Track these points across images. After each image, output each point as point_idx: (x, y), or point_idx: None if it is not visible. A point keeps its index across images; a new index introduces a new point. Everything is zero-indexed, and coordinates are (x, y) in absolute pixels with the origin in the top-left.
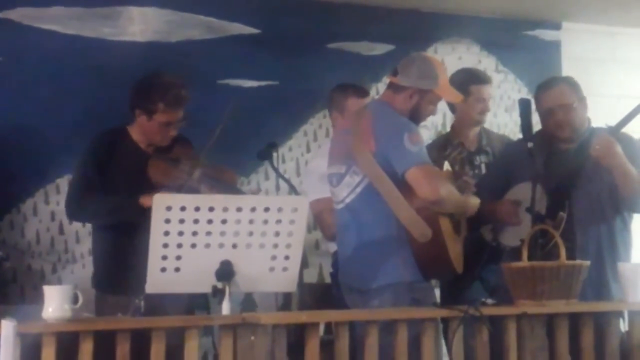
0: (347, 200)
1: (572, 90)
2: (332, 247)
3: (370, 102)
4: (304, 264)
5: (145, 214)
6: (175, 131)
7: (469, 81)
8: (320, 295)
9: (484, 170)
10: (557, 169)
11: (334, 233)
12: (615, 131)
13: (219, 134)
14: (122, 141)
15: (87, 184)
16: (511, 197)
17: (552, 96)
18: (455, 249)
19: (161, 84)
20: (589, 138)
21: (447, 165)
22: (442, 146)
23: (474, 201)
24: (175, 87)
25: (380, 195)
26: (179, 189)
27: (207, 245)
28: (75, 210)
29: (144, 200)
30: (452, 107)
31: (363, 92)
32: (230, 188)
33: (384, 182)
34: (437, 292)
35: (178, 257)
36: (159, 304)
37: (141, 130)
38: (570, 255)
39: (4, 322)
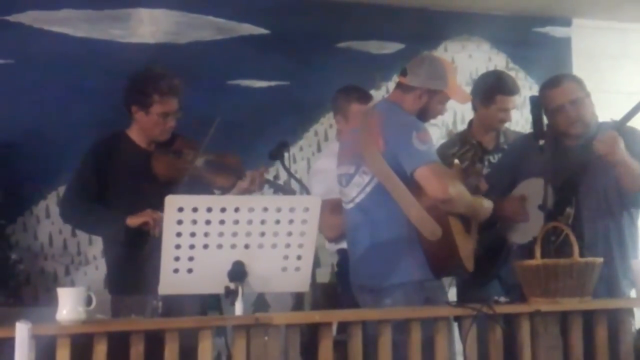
0: (357, 200)
1: (579, 86)
2: (334, 245)
3: (379, 102)
4: (316, 264)
5: (128, 233)
6: (174, 122)
7: (496, 89)
8: (333, 294)
9: None
10: (565, 165)
11: (336, 235)
12: (619, 126)
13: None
14: (122, 145)
15: (80, 189)
16: (519, 192)
17: (561, 93)
18: (466, 247)
19: (153, 76)
20: (596, 134)
21: (456, 163)
22: (459, 144)
23: (487, 204)
24: (167, 77)
25: (389, 194)
26: (184, 178)
27: (220, 246)
28: (66, 213)
29: (130, 221)
30: (474, 105)
31: (366, 98)
32: (235, 171)
33: (393, 181)
34: (454, 291)
35: (190, 258)
36: (177, 305)
37: (140, 128)
38: (579, 253)
39: (18, 324)
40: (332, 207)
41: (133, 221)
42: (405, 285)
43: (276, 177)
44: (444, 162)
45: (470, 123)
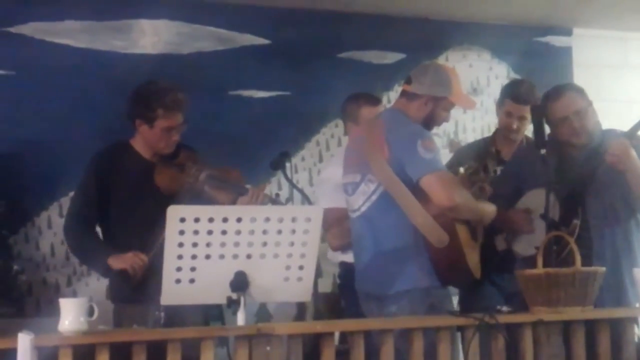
0: (363, 208)
1: (581, 96)
2: (336, 257)
3: (384, 110)
4: (318, 274)
5: (110, 273)
6: (178, 136)
7: (506, 93)
8: (335, 304)
9: None
10: (570, 175)
11: (343, 243)
12: (630, 135)
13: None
14: (125, 155)
15: (82, 202)
16: (524, 204)
17: (564, 104)
18: (472, 255)
19: (158, 90)
20: (601, 142)
21: (461, 170)
22: (480, 149)
23: (490, 208)
24: (172, 91)
25: (396, 202)
26: (186, 193)
27: (221, 256)
28: (67, 232)
29: (111, 261)
30: (497, 112)
31: (375, 101)
32: (236, 187)
33: (399, 189)
34: (455, 299)
35: (192, 269)
36: (179, 315)
37: (144, 140)
38: (587, 262)
39: (20, 335)
40: (338, 216)
41: (113, 263)
42: (411, 292)
43: (279, 187)
44: (459, 165)
45: (495, 132)
